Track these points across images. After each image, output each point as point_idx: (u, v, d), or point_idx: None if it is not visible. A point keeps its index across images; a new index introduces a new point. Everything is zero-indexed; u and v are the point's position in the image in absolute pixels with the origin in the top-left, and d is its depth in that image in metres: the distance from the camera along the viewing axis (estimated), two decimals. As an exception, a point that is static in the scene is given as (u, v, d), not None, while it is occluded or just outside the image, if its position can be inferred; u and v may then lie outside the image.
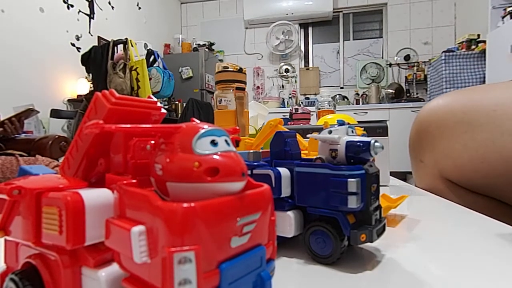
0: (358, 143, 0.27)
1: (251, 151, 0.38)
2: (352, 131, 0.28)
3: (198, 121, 0.16)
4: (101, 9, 3.11)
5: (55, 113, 2.28)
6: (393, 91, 3.86)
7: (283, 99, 4.23)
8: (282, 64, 4.33)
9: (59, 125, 2.55)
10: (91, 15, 2.99)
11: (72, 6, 2.76)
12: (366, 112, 3.51)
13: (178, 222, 0.13)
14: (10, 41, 2.23)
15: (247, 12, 4.18)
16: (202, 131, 0.15)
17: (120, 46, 2.12)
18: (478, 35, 3.01)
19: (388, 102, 3.80)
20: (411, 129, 0.64)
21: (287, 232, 0.28)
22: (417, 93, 3.82)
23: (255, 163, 0.30)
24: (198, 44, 4.11)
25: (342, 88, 4.24)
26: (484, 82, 2.72)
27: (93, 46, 2.17)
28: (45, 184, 0.17)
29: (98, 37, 3.05)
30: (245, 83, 0.66)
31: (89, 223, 0.16)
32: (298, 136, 0.35)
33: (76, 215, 0.15)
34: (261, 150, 0.39)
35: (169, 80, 2.36)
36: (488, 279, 0.24)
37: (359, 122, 0.66)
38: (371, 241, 0.26)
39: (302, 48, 4.37)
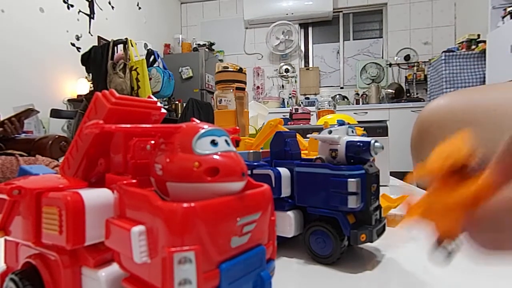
0: (358, 143, 0.27)
1: (251, 151, 0.38)
2: (352, 131, 0.28)
3: (198, 121, 0.16)
4: (101, 9, 3.11)
5: (55, 113, 2.27)
6: (393, 91, 3.86)
7: (283, 99, 4.22)
8: (282, 64, 4.33)
9: (59, 125, 2.55)
10: (91, 15, 2.99)
11: (72, 6, 2.76)
12: (366, 112, 3.51)
13: (178, 222, 0.13)
14: (10, 41, 2.22)
15: (247, 12, 4.17)
16: (202, 131, 0.15)
17: (120, 46, 2.12)
18: (478, 35, 3.00)
19: (388, 102, 3.79)
20: (412, 129, 0.64)
21: (287, 232, 0.28)
22: (417, 93, 3.82)
23: (255, 163, 0.30)
24: (198, 44, 4.11)
25: (342, 88, 4.24)
26: (484, 82, 2.72)
27: (93, 46, 2.16)
28: (45, 184, 0.17)
29: (98, 37, 3.05)
30: (245, 83, 0.66)
31: (89, 223, 0.16)
32: (298, 136, 0.35)
33: (76, 215, 0.15)
34: (261, 150, 0.39)
35: (169, 80, 2.36)
36: (488, 279, 0.24)
37: (359, 122, 0.66)
38: (371, 241, 0.26)
39: (302, 48, 4.37)
